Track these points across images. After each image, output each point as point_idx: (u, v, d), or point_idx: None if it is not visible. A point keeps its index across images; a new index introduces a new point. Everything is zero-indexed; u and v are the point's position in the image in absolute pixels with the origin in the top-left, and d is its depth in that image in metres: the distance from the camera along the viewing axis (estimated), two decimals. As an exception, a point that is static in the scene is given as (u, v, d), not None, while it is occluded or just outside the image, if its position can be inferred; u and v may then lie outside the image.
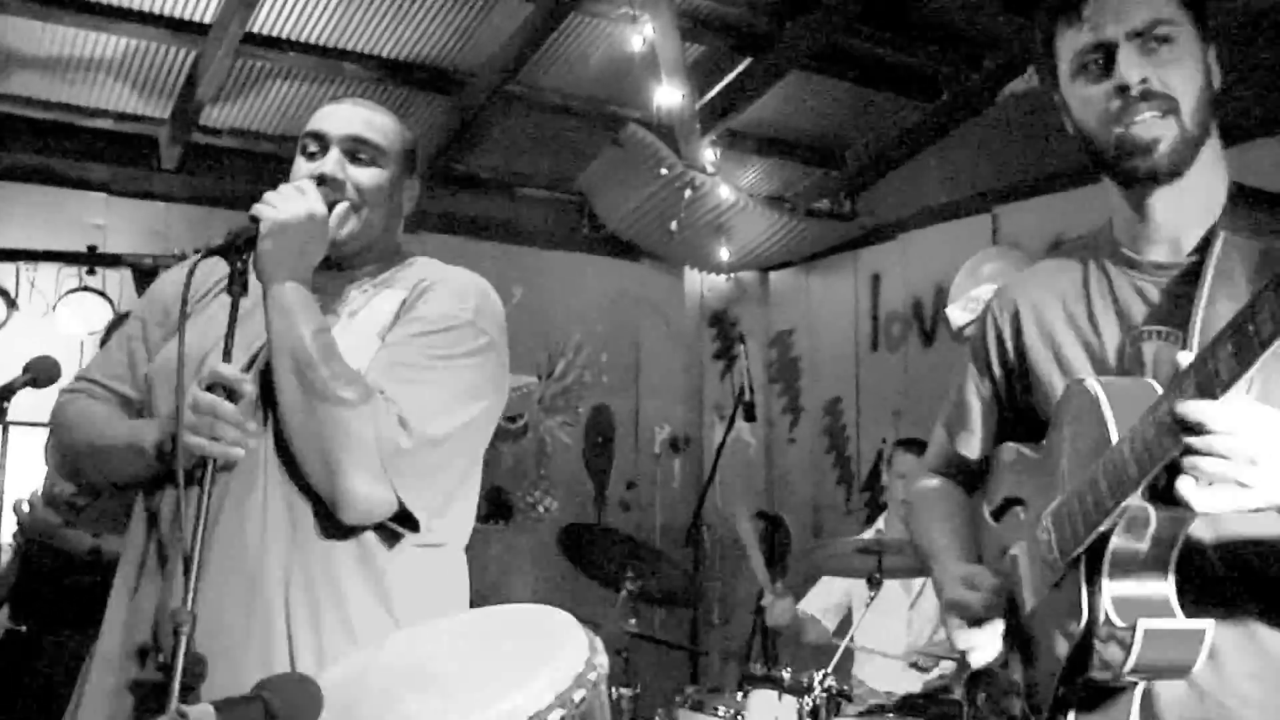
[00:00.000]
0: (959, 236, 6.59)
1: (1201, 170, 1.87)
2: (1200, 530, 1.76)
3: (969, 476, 2.25)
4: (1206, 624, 1.67)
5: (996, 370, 2.15)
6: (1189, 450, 1.53)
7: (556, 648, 1.68)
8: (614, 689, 4.91)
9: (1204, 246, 1.85)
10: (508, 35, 5.86)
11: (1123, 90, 1.82)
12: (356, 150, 2.28)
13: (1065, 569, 1.81)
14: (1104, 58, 1.85)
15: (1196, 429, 1.51)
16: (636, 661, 5.32)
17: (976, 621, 1.99)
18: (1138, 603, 1.69)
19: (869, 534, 5.34)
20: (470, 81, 6.18)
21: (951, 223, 6.74)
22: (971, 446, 2.22)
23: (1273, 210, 1.86)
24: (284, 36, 5.76)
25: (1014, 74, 6.40)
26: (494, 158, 6.94)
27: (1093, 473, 1.72)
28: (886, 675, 5.23)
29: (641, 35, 5.68)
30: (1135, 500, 1.64)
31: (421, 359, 2.13)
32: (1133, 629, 1.66)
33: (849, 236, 7.28)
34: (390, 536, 2.12)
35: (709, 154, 6.48)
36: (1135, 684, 1.75)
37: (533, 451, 7.12)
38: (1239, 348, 1.47)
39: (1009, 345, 2.12)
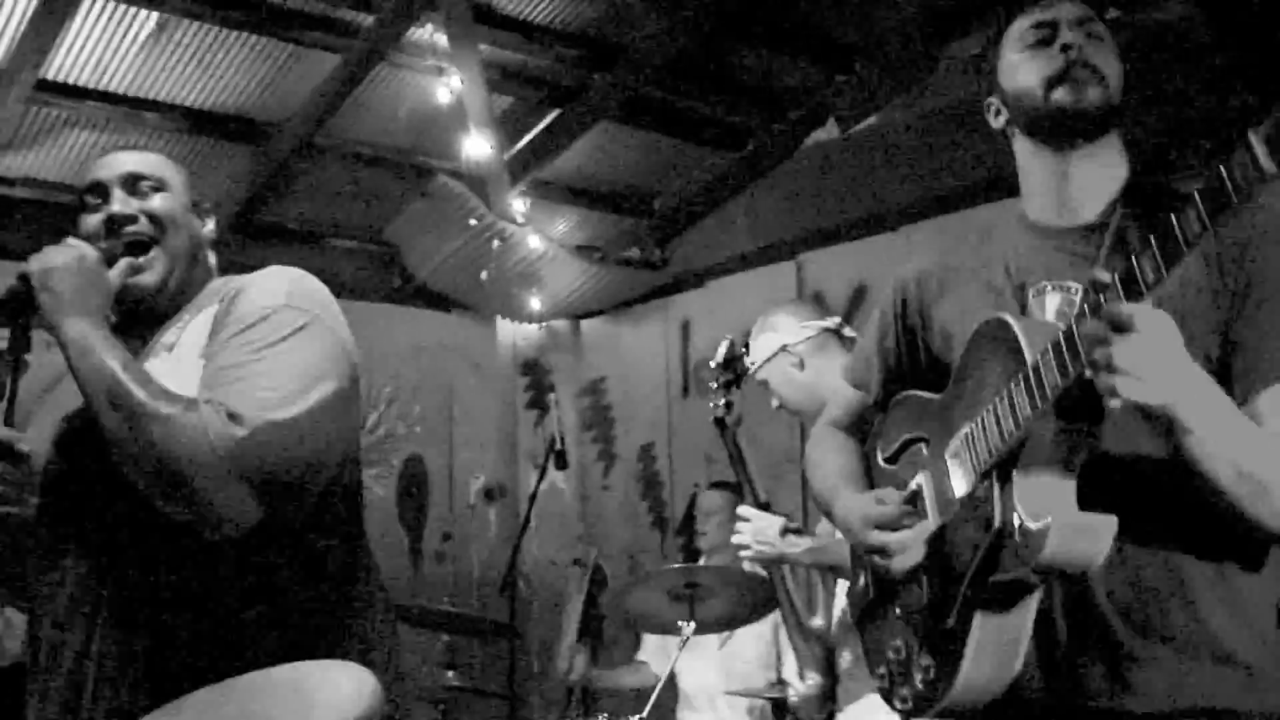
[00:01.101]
0: (765, 283, 6.73)
1: (1110, 146, 2.15)
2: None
3: (860, 424, 2.50)
4: (1111, 518, 1.84)
5: (900, 331, 2.38)
6: (1100, 345, 1.72)
7: (346, 700, 1.68)
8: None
9: (1106, 216, 2.11)
10: (314, 85, 5.81)
11: (1065, 49, 2.10)
12: (136, 185, 2.26)
13: (976, 484, 2.00)
14: (1050, 32, 2.14)
15: (1119, 327, 1.70)
16: (454, 712, 5.28)
17: (895, 529, 2.16)
18: (1045, 506, 1.86)
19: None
20: (276, 132, 6.11)
21: (758, 270, 6.89)
22: (868, 398, 2.47)
23: (1159, 201, 2.03)
24: (81, 84, 5.61)
25: (816, 125, 6.59)
26: (302, 208, 6.86)
27: (1009, 390, 1.92)
28: (708, 716, 5.29)
29: (448, 87, 5.70)
30: (1045, 412, 1.84)
31: (241, 356, 2.05)
32: (1047, 526, 1.82)
33: (658, 284, 7.38)
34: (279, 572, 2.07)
35: (519, 204, 6.51)
36: (1037, 585, 1.95)
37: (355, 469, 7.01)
38: (1164, 251, 1.66)
39: (913, 309, 2.36)
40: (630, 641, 6.25)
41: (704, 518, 5.74)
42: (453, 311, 7.60)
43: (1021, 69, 2.16)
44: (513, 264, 6.75)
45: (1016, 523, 1.89)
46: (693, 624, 4.64)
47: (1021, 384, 1.88)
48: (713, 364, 3.68)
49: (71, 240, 2.11)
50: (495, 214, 6.36)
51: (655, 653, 5.62)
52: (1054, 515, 1.83)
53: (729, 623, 4.87)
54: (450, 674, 5.27)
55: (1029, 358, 1.88)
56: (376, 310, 7.26)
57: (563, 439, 5.87)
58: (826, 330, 3.71)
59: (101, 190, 2.26)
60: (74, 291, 2.02)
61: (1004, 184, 5.90)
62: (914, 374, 2.37)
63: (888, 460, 2.34)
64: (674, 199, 7.27)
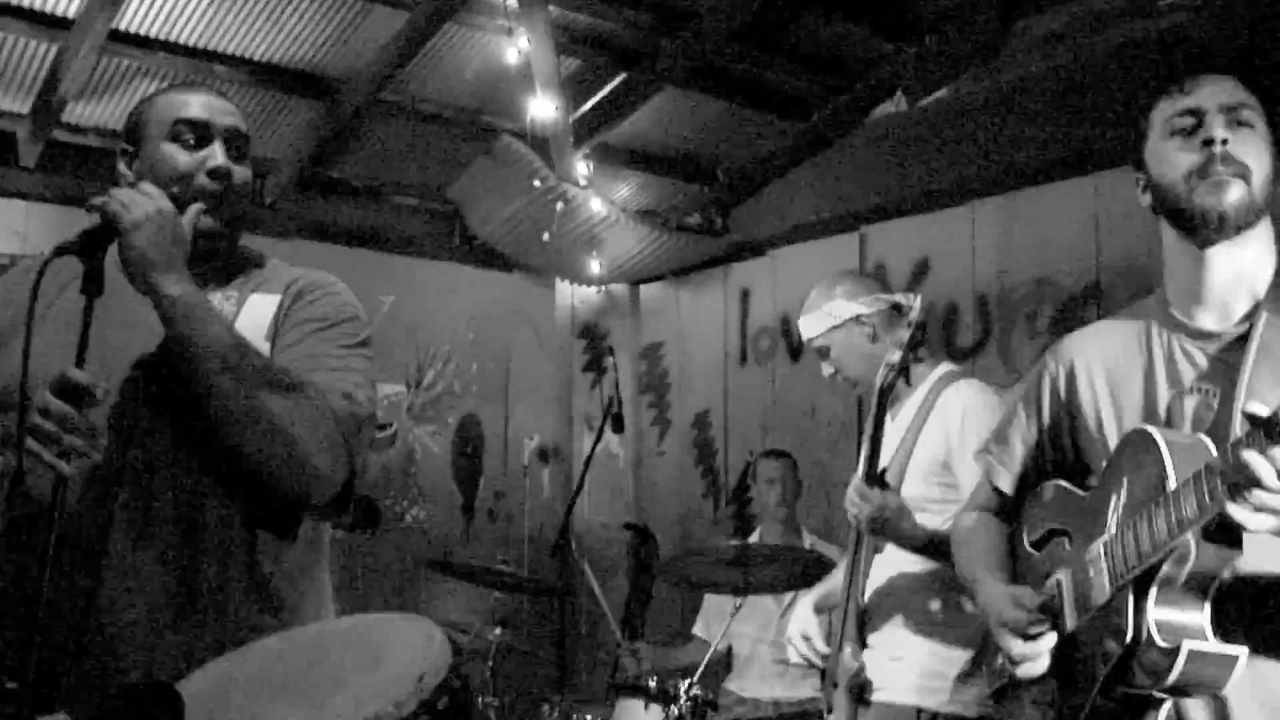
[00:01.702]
0: (827, 254, 6.69)
1: (1257, 241, 2.15)
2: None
3: (1004, 511, 2.52)
4: (1241, 650, 1.90)
5: (1046, 418, 2.40)
6: (1244, 487, 1.75)
7: (421, 656, 1.68)
8: (480, 698, 4.90)
9: (1250, 317, 2.12)
10: (383, 42, 5.81)
11: (1208, 144, 2.09)
12: (236, 145, 2.25)
13: (1113, 594, 2.04)
14: (1194, 122, 2.13)
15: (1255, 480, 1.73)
16: (504, 671, 5.31)
17: (1027, 636, 2.21)
18: (1178, 626, 1.93)
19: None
20: (343, 87, 6.12)
21: (820, 241, 6.85)
22: (1009, 483, 2.48)
23: None
24: (152, 35, 5.64)
25: (884, 96, 6.53)
26: (366, 165, 6.88)
27: (1150, 510, 1.95)
28: (758, 685, 5.30)
29: (517, 47, 5.68)
30: (1187, 537, 1.88)
31: (336, 349, 2.21)
32: (1177, 648, 1.88)
33: (719, 252, 7.35)
34: (280, 533, 2.16)
35: (582, 167, 6.50)
36: (1164, 700, 2.00)
37: (401, 461, 7.07)
38: None
39: (1062, 397, 2.37)
40: (680, 606, 6.27)
41: (762, 485, 5.73)
42: (513, 272, 7.60)
43: (1166, 159, 2.16)
44: (574, 227, 6.74)
45: (1148, 639, 1.95)
46: (739, 601, 4.65)
47: (1162, 508, 1.92)
48: (914, 316, 3.51)
49: (148, 188, 2.10)
50: (558, 176, 6.35)
51: (711, 622, 5.61)
52: (1186, 641, 1.89)
53: (787, 586, 4.87)
54: (500, 631, 5.29)
55: (1171, 484, 1.92)
56: (437, 268, 7.28)
57: (619, 402, 5.87)
58: (896, 304, 3.67)
59: (203, 130, 2.23)
60: (163, 247, 2.03)
61: (1074, 163, 5.88)
62: (1055, 460, 2.40)
63: (1033, 545, 2.38)
64: (738, 167, 7.23)
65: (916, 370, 3.51)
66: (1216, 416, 2.06)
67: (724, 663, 5.47)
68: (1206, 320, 2.17)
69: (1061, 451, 2.39)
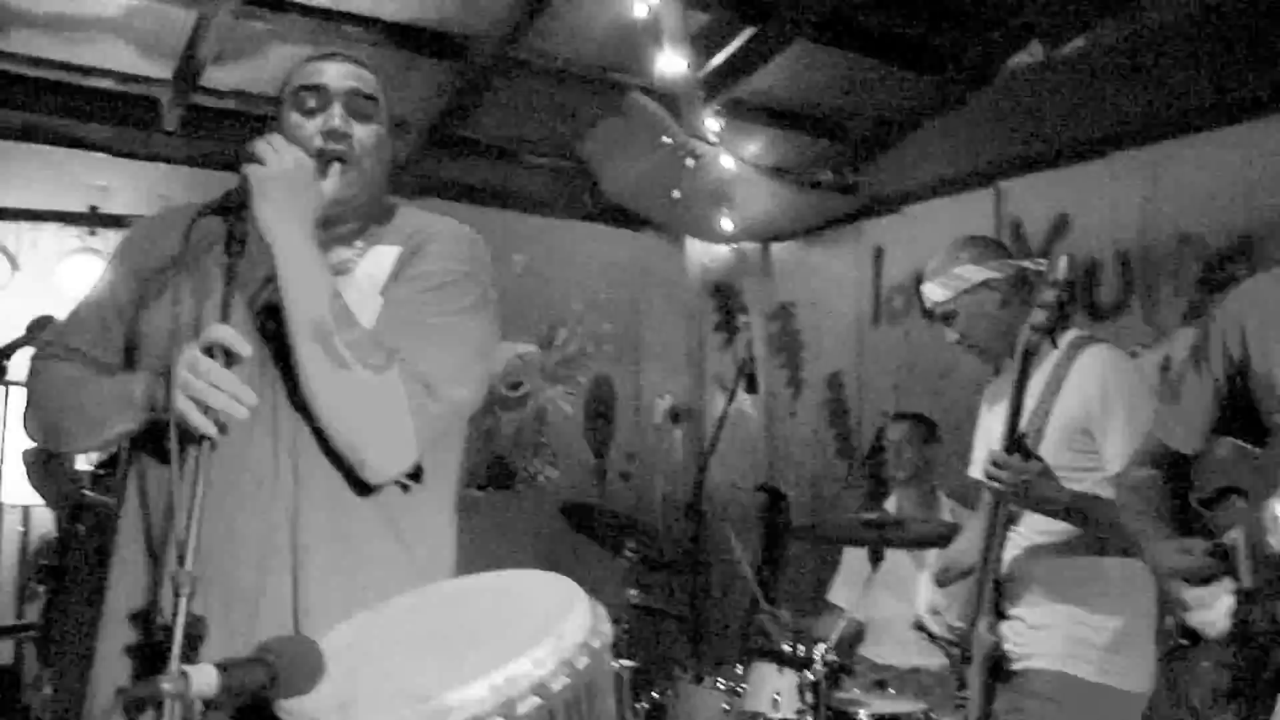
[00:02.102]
0: (962, 210, 6.55)
1: None
2: None
3: (1174, 468, 2.48)
4: None
5: (1218, 374, 2.37)
6: None
7: (561, 614, 1.66)
8: (615, 660, 4.91)
9: None
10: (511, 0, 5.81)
11: None
12: (357, 106, 2.27)
13: None
14: None
15: None
16: (637, 633, 5.31)
17: (1200, 582, 2.19)
18: None
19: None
20: (472, 46, 6.13)
21: (954, 197, 6.70)
22: (1186, 441, 2.44)
23: None
24: (286, -1, 5.72)
25: (1020, 46, 6.36)
26: (496, 124, 6.90)
27: None
28: (895, 652, 5.23)
29: (645, 2, 5.63)
30: None
31: (432, 317, 2.14)
32: None
33: (851, 209, 7.24)
34: (402, 486, 2.14)
35: (712, 123, 6.43)
36: None
37: (533, 421, 7.10)
38: None
39: (1234, 353, 2.33)
40: (814, 567, 6.22)
41: (894, 449, 5.64)
42: (643, 230, 7.58)
43: None
44: (704, 184, 6.68)
45: None
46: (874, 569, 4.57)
47: None
48: (1060, 275, 3.40)
49: (284, 145, 2.11)
50: (688, 133, 6.30)
51: (848, 585, 5.54)
52: None
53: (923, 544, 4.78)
54: (633, 593, 5.29)
55: None
56: (566, 227, 7.29)
57: (754, 361, 5.82)
58: (1023, 269, 3.56)
59: (324, 96, 2.27)
60: (289, 198, 2.05)
61: (1222, 111, 5.67)
62: (1229, 417, 2.36)
63: (1202, 503, 2.34)
64: (869, 121, 7.11)
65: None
66: None
67: (858, 628, 5.41)
68: None
69: (1233, 408, 2.35)
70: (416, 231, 2.27)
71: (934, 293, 3.65)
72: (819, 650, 4.37)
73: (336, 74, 2.29)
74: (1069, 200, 6.10)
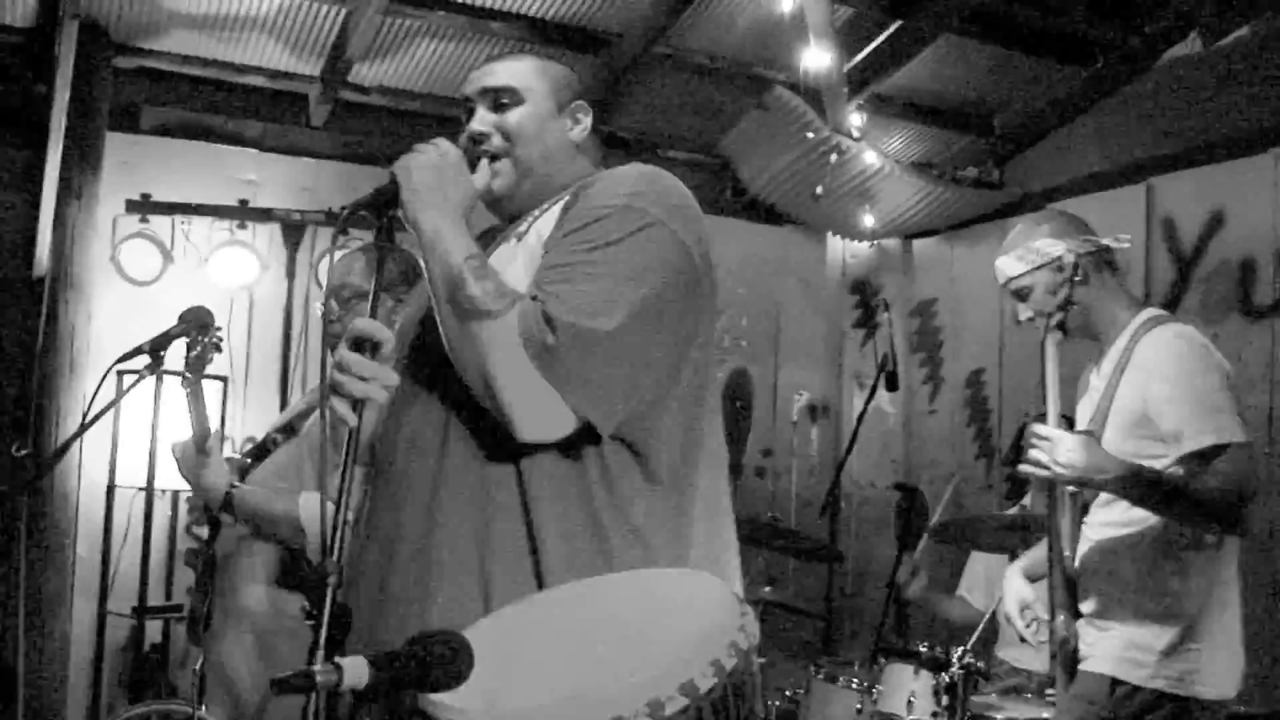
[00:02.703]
0: (1112, 207, 6.40)
1: None
2: None
3: None
4: None
5: None
6: None
7: (709, 613, 1.65)
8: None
9: None
10: (654, -4, 5.82)
11: None
12: (496, 99, 2.30)
13: None
14: None
15: None
16: (770, 630, 5.29)
17: None
18: None
19: (1013, 510, 5.22)
20: (616, 41, 6.15)
21: (1104, 193, 6.55)
22: None
23: None
24: (433, -5, 5.79)
25: (1177, 38, 6.19)
26: (639, 118, 6.91)
27: None
28: (1033, 656, 5.12)
29: (791, -4, 5.60)
30: None
31: (572, 255, 2.04)
32: None
33: (996, 205, 7.12)
34: (608, 475, 2.05)
35: (855, 118, 6.38)
36: None
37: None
38: None
39: None
40: (951, 568, 6.13)
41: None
42: (784, 226, 7.54)
43: None
44: (847, 180, 6.63)
45: None
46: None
47: None
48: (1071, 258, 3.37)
49: (439, 140, 2.15)
50: (831, 128, 6.25)
51: (974, 586, 5.47)
52: None
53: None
54: (768, 590, 5.27)
55: None
56: (709, 222, 7.23)
57: (895, 359, 5.74)
58: (1106, 247, 3.45)
59: (469, 105, 2.32)
60: (432, 187, 2.06)
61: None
62: None
63: None
64: (1017, 116, 6.99)
65: (1118, 317, 3.42)
66: None
67: (992, 629, 5.32)
68: None
69: None
70: (584, 182, 2.21)
71: (1009, 266, 3.53)
72: (956, 652, 4.31)
73: (474, 80, 2.34)
74: (1224, 197, 5.93)
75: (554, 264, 2.04)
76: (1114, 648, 3.27)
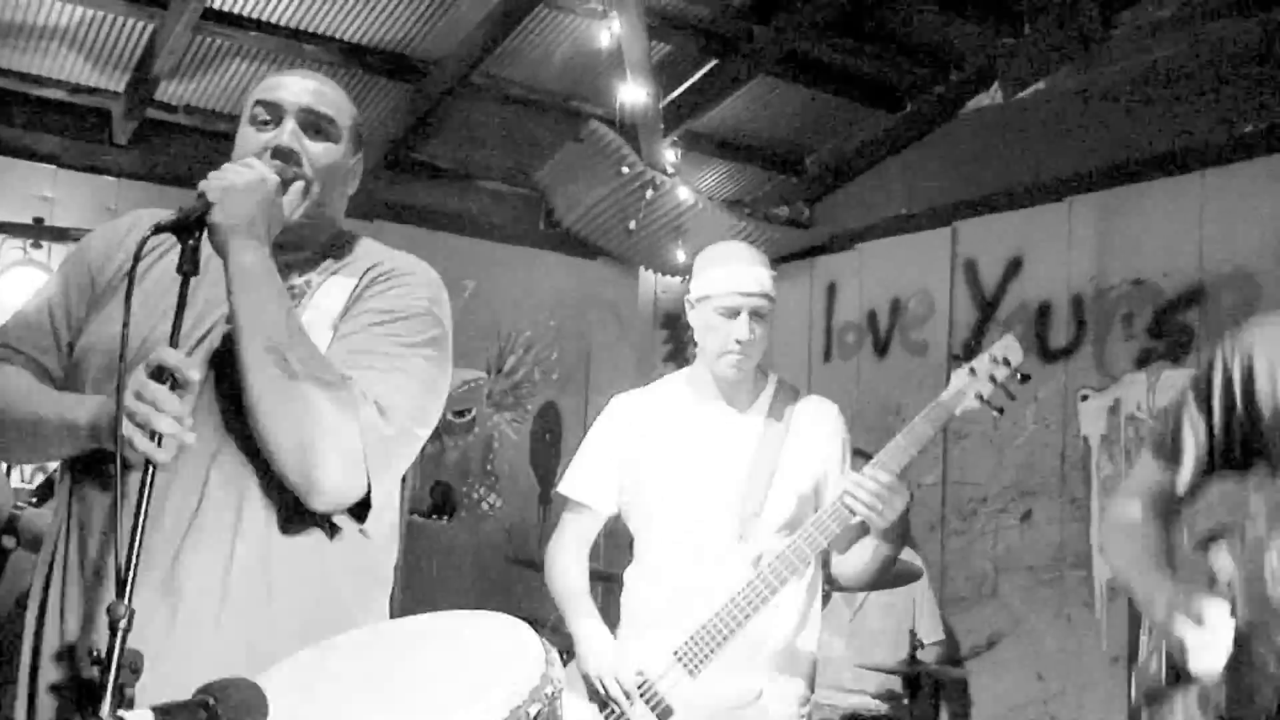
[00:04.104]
0: (916, 249, 6.58)
1: None
2: None
3: (1167, 504, 2.33)
4: None
5: (1218, 411, 2.22)
6: None
7: (512, 660, 1.62)
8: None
9: None
10: (473, 24, 5.78)
11: None
12: (312, 123, 2.20)
13: None
14: None
15: None
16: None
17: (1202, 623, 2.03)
18: None
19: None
20: (432, 70, 6.10)
21: (910, 235, 6.73)
22: (1180, 480, 2.30)
23: None
24: (245, 15, 5.64)
25: (980, 88, 6.40)
26: (453, 148, 6.86)
27: None
28: (831, 692, 5.19)
29: (609, 31, 5.63)
30: None
31: (389, 348, 2.06)
32: None
33: (806, 244, 7.25)
34: (332, 528, 2.06)
35: (670, 155, 6.43)
36: None
37: (479, 447, 7.04)
38: None
39: (1237, 390, 2.18)
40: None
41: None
42: (596, 259, 7.55)
43: None
44: (661, 214, 6.67)
45: None
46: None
47: None
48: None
49: (252, 162, 2.06)
50: (646, 163, 6.29)
51: None
52: None
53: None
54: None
55: None
56: (520, 254, 7.25)
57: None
58: None
59: (276, 112, 2.20)
60: (248, 216, 1.97)
61: (1177, 159, 5.73)
62: (1228, 455, 2.24)
63: (1196, 546, 2.22)
64: (827, 157, 7.13)
65: None
66: None
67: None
68: None
69: (1234, 446, 2.22)
70: (374, 265, 2.18)
71: (767, 281, 3.49)
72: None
73: (295, 89, 2.22)
74: (1024, 242, 6.14)
75: (366, 350, 2.05)
76: None
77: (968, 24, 6.02)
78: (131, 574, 1.66)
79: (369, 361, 2.03)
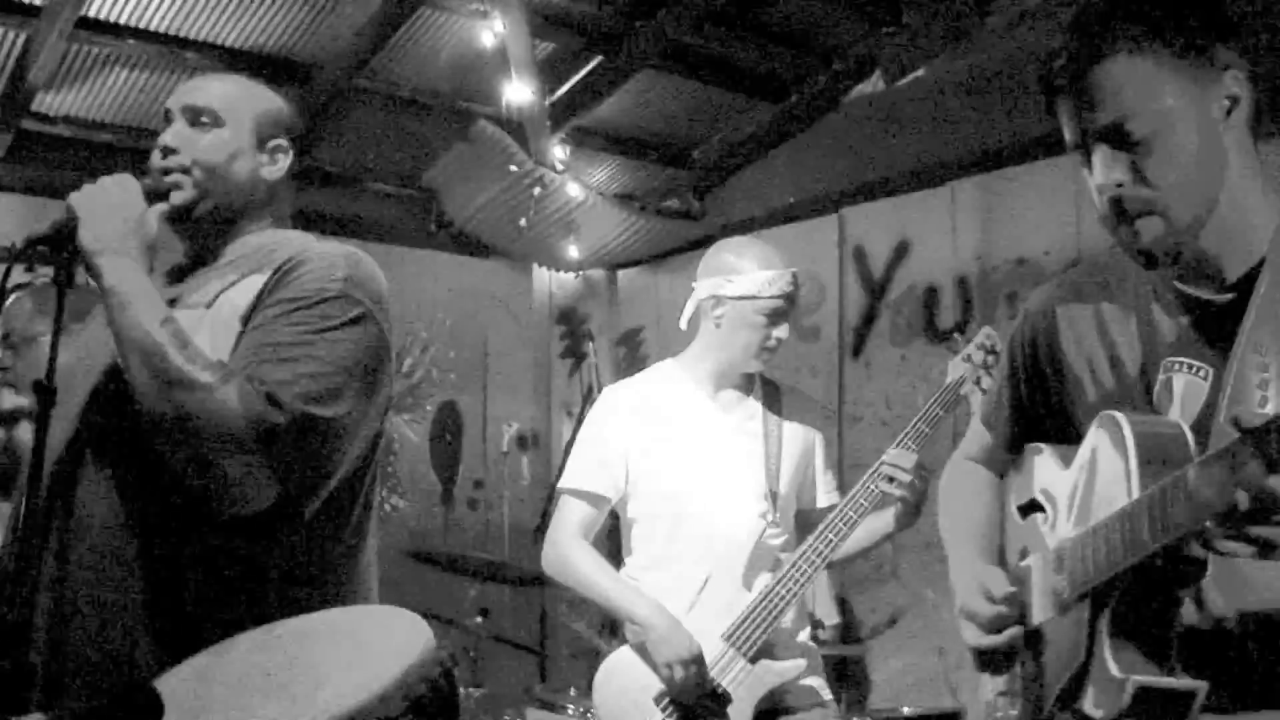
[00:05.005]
0: (806, 237, 6.66)
1: (1233, 203, 1.80)
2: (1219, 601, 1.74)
3: (1001, 465, 2.27)
4: (1199, 685, 1.65)
5: (1026, 372, 2.14)
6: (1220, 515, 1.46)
7: (406, 650, 1.65)
8: (463, 689, 4.87)
9: (1249, 279, 1.79)
10: (357, 27, 5.76)
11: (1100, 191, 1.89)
12: (196, 118, 2.24)
13: (1071, 601, 1.82)
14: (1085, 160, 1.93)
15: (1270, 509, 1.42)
16: (485, 661, 5.28)
17: (993, 631, 2.01)
18: (1134, 657, 1.69)
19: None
20: (317, 73, 6.06)
21: (799, 223, 6.81)
22: (1001, 440, 2.24)
23: None
24: (122, 22, 5.56)
25: (861, 77, 6.51)
26: (341, 151, 6.82)
27: (1109, 523, 1.70)
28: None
29: (492, 31, 5.65)
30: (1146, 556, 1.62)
31: (290, 336, 2.03)
32: (1125, 681, 1.65)
33: (697, 235, 7.31)
34: (263, 529, 2.04)
35: (558, 151, 6.46)
36: None
37: (380, 449, 7.01)
38: None
39: (1041, 350, 2.10)
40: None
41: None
42: (489, 258, 7.56)
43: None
44: (551, 212, 6.70)
45: (1097, 665, 1.72)
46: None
47: (1126, 522, 1.66)
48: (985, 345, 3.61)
49: (119, 175, 2.07)
50: (535, 161, 6.31)
51: None
52: (1136, 674, 1.66)
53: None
54: (481, 621, 5.26)
55: (1134, 492, 1.67)
56: (413, 255, 7.23)
57: (600, 388, 5.83)
58: None
59: (169, 116, 2.26)
60: (115, 230, 1.98)
61: (1053, 143, 5.85)
62: (1044, 418, 2.13)
63: (1021, 509, 2.12)
64: (715, 149, 7.20)
65: None
66: (1207, 399, 1.76)
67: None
68: (1199, 287, 1.85)
69: (1048, 406, 2.12)
70: (289, 259, 2.16)
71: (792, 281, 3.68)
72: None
73: (179, 93, 2.28)
74: (909, 226, 6.25)
75: (268, 342, 2.02)
76: None
77: (847, 14, 6.12)
78: (17, 587, 1.68)
79: (268, 353, 2.00)
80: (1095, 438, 1.85)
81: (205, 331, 2.05)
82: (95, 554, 1.99)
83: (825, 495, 3.72)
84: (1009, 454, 2.23)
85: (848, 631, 5.76)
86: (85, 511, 2.02)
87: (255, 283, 2.14)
